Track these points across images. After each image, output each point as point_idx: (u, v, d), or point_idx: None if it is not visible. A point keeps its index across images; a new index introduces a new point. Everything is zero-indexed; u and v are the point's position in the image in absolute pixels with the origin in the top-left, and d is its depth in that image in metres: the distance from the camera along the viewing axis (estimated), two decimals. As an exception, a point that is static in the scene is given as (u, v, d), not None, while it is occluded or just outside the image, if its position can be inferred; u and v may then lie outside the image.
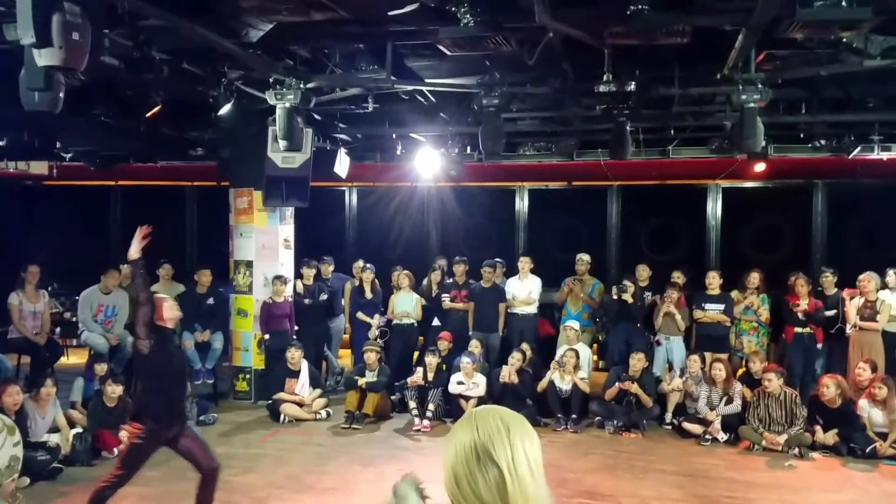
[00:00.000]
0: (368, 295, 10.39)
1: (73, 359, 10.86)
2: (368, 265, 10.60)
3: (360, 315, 10.36)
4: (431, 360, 8.98)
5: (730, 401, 8.34)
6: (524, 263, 10.00)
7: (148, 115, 8.16)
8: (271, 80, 7.05)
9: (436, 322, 10.23)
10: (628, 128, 8.05)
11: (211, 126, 9.53)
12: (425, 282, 10.50)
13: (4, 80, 4.84)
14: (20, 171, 12.08)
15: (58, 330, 10.78)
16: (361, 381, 8.86)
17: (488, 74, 7.12)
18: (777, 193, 12.23)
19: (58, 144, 10.37)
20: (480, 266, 10.04)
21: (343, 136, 10.47)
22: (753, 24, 5.30)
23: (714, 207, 12.23)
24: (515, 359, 8.87)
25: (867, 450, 7.58)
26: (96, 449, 7.35)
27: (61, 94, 4.54)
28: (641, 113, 8.15)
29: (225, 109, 7.54)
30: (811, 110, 8.89)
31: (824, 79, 7.41)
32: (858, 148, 9.77)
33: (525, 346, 9.39)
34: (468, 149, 10.68)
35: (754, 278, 9.37)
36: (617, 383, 8.66)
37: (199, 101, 8.11)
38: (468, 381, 8.74)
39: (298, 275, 10.19)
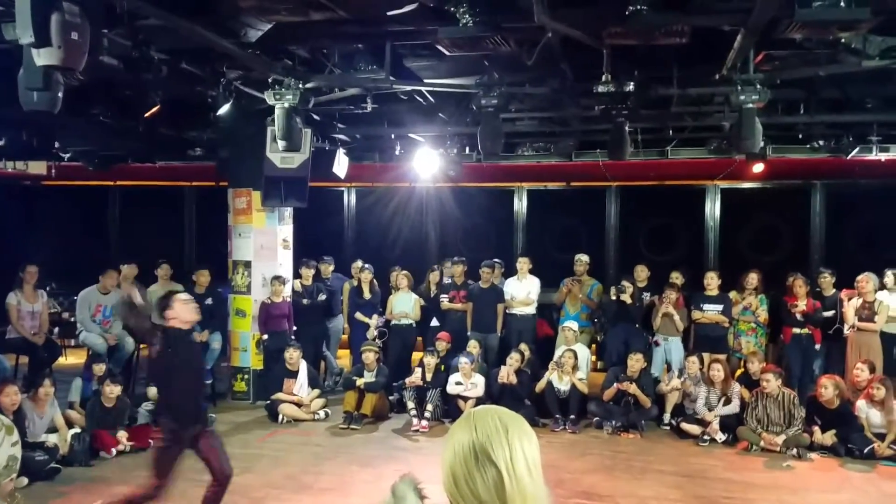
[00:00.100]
0: (367, 295, 10.39)
1: (72, 359, 10.85)
2: (367, 265, 10.60)
3: (359, 315, 10.36)
4: (430, 361, 8.98)
5: (728, 401, 8.35)
6: (523, 264, 10.01)
7: (146, 114, 8.16)
8: (270, 80, 7.05)
9: (434, 322, 10.24)
10: (627, 128, 8.05)
11: (209, 126, 9.53)
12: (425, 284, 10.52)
13: (3, 80, 4.83)
14: (19, 171, 12.07)
15: (56, 330, 10.77)
16: (360, 382, 8.86)
17: (487, 75, 7.12)
18: (775, 194, 12.23)
19: (56, 144, 10.37)
20: (479, 266, 10.06)
21: (342, 137, 10.47)
22: (752, 24, 5.30)
23: (712, 208, 12.24)
24: (514, 359, 8.87)
25: (865, 450, 7.58)
26: (94, 449, 7.35)
27: (60, 94, 4.53)
28: (640, 113, 8.15)
29: (224, 109, 7.54)
30: (810, 111, 8.89)
31: (823, 79, 7.42)
32: (857, 149, 9.78)
33: (523, 346, 9.39)
34: (467, 149, 10.68)
35: (752, 279, 9.38)
36: (615, 384, 8.66)
37: (197, 101, 8.10)
38: (466, 382, 8.75)
39: (297, 275, 10.19)
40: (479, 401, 8.49)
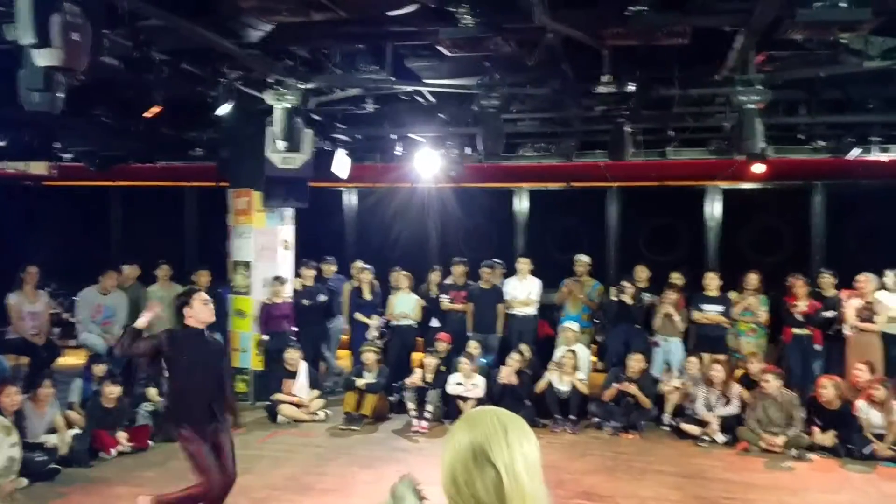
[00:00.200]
0: (367, 296, 10.39)
1: (71, 359, 10.84)
2: (367, 266, 10.60)
3: (359, 316, 10.36)
4: (430, 361, 8.97)
5: (728, 402, 8.35)
6: (523, 264, 10.01)
7: (147, 115, 8.15)
8: (271, 80, 7.05)
9: (435, 323, 10.23)
10: (628, 129, 8.05)
11: (210, 126, 9.54)
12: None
13: (4, 81, 4.82)
14: (19, 172, 12.08)
15: (56, 330, 10.77)
16: (360, 382, 8.86)
17: (488, 75, 7.12)
18: (776, 195, 12.23)
19: (57, 145, 10.38)
20: (479, 267, 10.06)
21: (343, 137, 10.46)
22: (753, 24, 5.30)
23: (713, 209, 12.23)
24: (514, 360, 8.87)
25: (865, 451, 7.58)
26: (94, 450, 7.35)
27: (61, 95, 4.53)
28: (641, 114, 8.16)
29: (224, 110, 7.54)
30: (810, 111, 8.88)
31: (824, 80, 7.42)
32: (858, 149, 9.78)
33: (524, 347, 9.39)
34: (468, 149, 10.68)
35: (753, 279, 9.38)
36: (615, 384, 8.66)
37: (198, 102, 8.10)
38: (467, 382, 8.74)
39: (298, 276, 10.19)
40: (480, 401, 8.48)
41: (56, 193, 13.89)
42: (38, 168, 12.35)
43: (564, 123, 10.00)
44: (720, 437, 8.17)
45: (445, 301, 10.06)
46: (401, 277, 10.19)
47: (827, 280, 9.30)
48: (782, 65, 7.05)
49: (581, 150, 11.18)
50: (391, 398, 9.28)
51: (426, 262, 11.85)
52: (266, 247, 9.80)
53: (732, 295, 9.45)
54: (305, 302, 10.00)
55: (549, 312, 10.48)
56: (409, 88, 7.75)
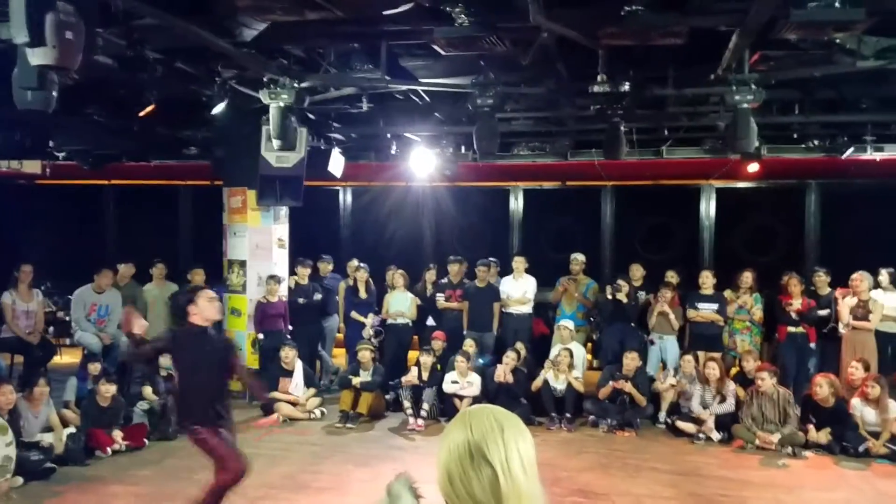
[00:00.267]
0: (363, 294, 10.39)
1: (67, 358, 10.83)
2: (363, 265, 10.60)
3: (355, 314, 10.36)
4: (426, 360, 8.98)
5: (723, 400, 8.37)
6: (519, 263, 10.01)
7: (141, 114, 8.14)
8: (265, 79, 7.04)
9: (431, 321, 10.24)
10: (622, 128, 8.06)
11: (205, 125, 9.52)
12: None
13: (-3, 79, 4.82)
14: (13, 171, 12.04)
15: (51, 329, 10.75)
16: (356, 381, 8.86)
17: (483, 74, 7.12)
18: (770, 194, 12.27)
19: (51, 143, 10.34)
20: (475, 265, 10.07)
21: (337, 136, 10.46)
22: (748, 24, 5.32)
23: (708, 207, 12.26)
24: (510, 358, 8.88)
25: (860, 448, 7.61)
26: (90, 448, 7.33)
27: (54, 93, 4.52)
28: (635, 113, 8.17)
29: (219, 108, 7.53)
30: (804, 111, 8.91)
31: (818, 80, 7.44)
32: (851, 148, 9.82)
33: (519, 345, 9.40)
34: (462, 148, 10.69)
35: (747, 278, 9.40)
36: (611, 382, 8.68)
37: (192, 101, 8.09)
38: (462, 381, 8.75)
39: (293, 274, 10.19)
40: (476, 399, 8.49)
41: (50, 192, 13.85)
42: (32, 167, 12.32)
43: (559, 122, 10.01)
44: (715, 435, 8.19)
45: (441, 300, 10.07)
46: (396, 276, 10.19)
47: (821, 278, 9.33)
48: (776, 64, 7.07)
49: (576, 149, 11.20)
50: (387, 396, 9.28)
51: (421, 260, 11.85)
52: (261, 245, 9.80)
53: (727, 293, 9.47)
54: (301, 300, 10.00)
55: (545, 311, 10.50)
56: (404, 87, 7.75)
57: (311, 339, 10.13)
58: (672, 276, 9.86)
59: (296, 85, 7.02)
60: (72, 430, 7.37)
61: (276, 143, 7.39)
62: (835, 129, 9.81)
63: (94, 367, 8.08)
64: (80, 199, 14.09)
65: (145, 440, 7.81)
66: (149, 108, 7.96)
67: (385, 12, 5.57)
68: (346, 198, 13.70)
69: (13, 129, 9.28)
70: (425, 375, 8.91)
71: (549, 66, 6.79)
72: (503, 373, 8.80)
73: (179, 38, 5.92)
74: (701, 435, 8.23)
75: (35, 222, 13.73)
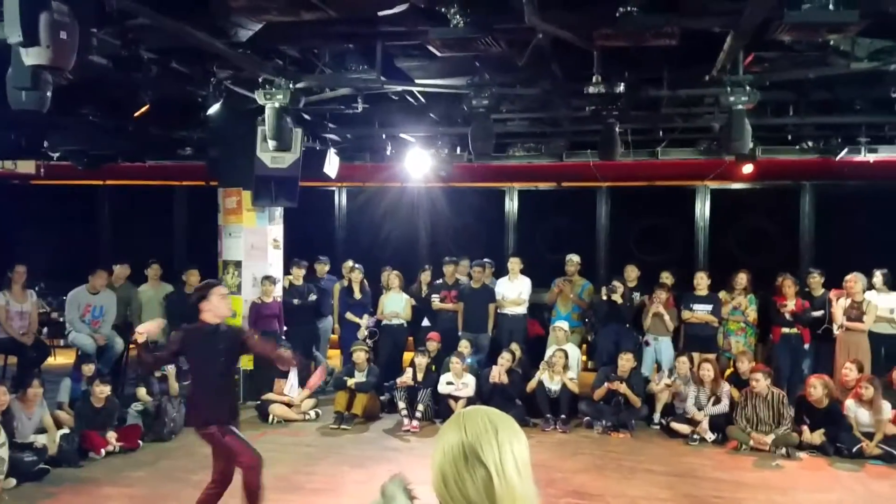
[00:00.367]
0: (357, 295, 10.38)
1: (61, 359, 10.79)
2: (357, 265, 10.59)
3: (349, 315, 10.35)
4: (421, 361, 8.98)
5: (717, 401, 8.38)
6: (514, 264, 10.01)
7: (136, 114, 8.12)
8: (260, 79, 7.03)
9: (426, 322, 10.23)
10: (617, 129, 8.07)
11: (200, 126, 9.50)
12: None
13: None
14: (7, 171, 12.01)
15: (45, 330, 10.71)
16: (351, 382, 8.85)
17: (478, 75, 7.13)
18: (765, 195, 12.30)
19: (45, 144, 10.31)
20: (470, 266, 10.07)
21: (333, 137, 10.45)
22: (742, 26, 5.33)
23: (702, 208, 12.29)
24: (505, 359, 8.88)
25: (854, 449, 7.63)
26: (84, 450, 7.30)
27: (49, 93, 4.51)
28: (630, 114, 8.18)
29: (214, 109, 7.51)
30: (799, 112, 8.93)
31: (812, 81, 7.46)
32: (845, 150, 9.84)
33: (514, 346, 9.40)
34: (458, 149, 10.68)
35: (742, 279, 9.42)
36: (605, 383, 8.68)
37: (187, 101, 8.08)
38: (457, 382, 8.75)
39: (288, 275, 10.17)
40: (470, 401, 8.49)
41: (45, 192, 13.81)
42: (27, 167, 12.28)
43: (554, 123, 10.02)
44: (710, 436, 8.21)
45: (436, 300, 10.06)
46: (391, 277, 10.19)
47: (815, 280, 9.36)
48: (771, 66, 7.09)
49: (571, 150, 11.21)
50: (382, 398, 9.27)
51: (416, 261, 11.85)
52: (256, 246, 9.78)
53: (722, 294, 9.48)
54: (296, 301, 9.98)
55: (540, 312, 10.50)
56: (399, 88, 7.74)
57: (306, 339, 10.10)
58: (667, 278, 9.88)
59: (291, 85, 7.01)
60: (65, 431, 7.34)
61: (271, 143, 7.38)
62: (829, 131, 9.84)
63: (88, 369, 8.05)
64: (74, 199, 14.04)
65: (139, 441, 7.80)
66: (144, 109, 7.94)
67: (380, 13, 5.56)
68: (341, 198, 13.68)
69: (7, 129, 9.26)
70: (420, 376, 8.91)
71: (545, 67, 6.79)
72: (498, 374, 8.81)
73: (174, 39, 5.92)
74: (695, 436, 8.24)
75: (29, 223, 13.69)
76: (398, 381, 8.95)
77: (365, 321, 10.21)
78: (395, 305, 10.03)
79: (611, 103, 6.87)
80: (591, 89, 6.56)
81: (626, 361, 8.71)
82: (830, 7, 4.72)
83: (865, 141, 9.74)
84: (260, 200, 9.50)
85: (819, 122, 9.40)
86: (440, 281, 10.26)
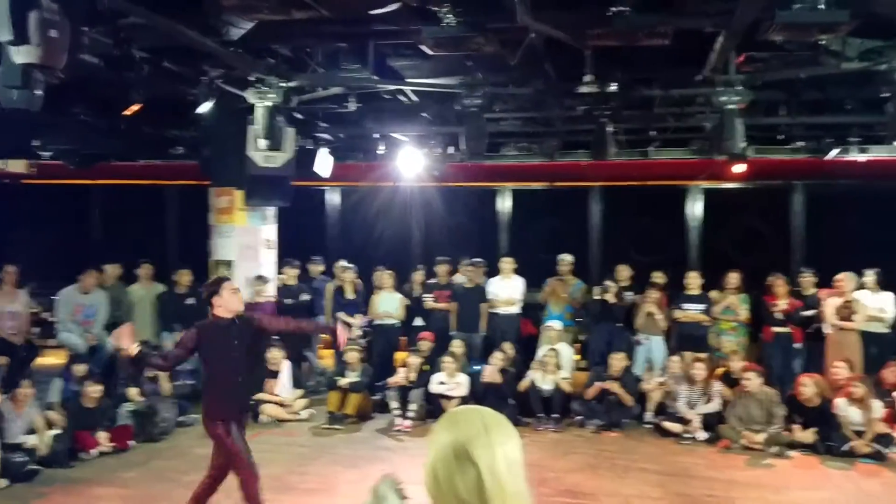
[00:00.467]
0: (350, 295, 10.36)
1: (51, 359, 10.73)
2: (350, 265, 10.57)
3: (342, 315, 10.32)
4: (413, 360, 8.97)
5: (709, 400, 8.40)
6: (507, 264, 10.02)
7: (128, 113, 8.09)
8: (252, 78, 7.02)
9: (418, 322, 10.22)
10: (609, 129, 8.09)
11: (192, 125, 9.48)
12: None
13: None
14: (-2, 170, 11.94)
15: (36, 330, 10.65)
16: (343, 382, 8.84)
17: (471, 74, 7.14)
18: (756, 195, 12.32)
19: (36, 143, 10.25)
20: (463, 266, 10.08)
21: (325, 136, 10.44)
22: (733, 26, 5.35)
23: (694, 208, 12.31)
24: (498, 358, 8.89)
25: (844, 448, 7.65)
26: (75, 450, 7.27)
27: (40, 92, 4.49)
28: (622, 114, 8.21)
29: (205, 108, 7.49)
30: (790, 112, 8.96)
31: (803, 81, 7.50)
32: (837, 150, 9.88)
33: (507, 345, 9.40)
34: (450, 149, 10.68)
35: (733, 278, 9.44)
36: (598, 383, 8.70)
37: (179, 100, 8.06)
38: (450, 381, 8.74)
39: (280, 274, 10.15)
40: (463, 400, 8.48)
41: (36, 192, 13.74)
42: (17, 166, 12.22)
43: (547, 123, 10.03)
44: (701, 435, 8.22)
45: (429, 300, 10.06)
46: (384, 277, 10.17)
47: (807, 279, 9.40)
48: (762, 66, 7.12)
49: (563, 149, 11.22)
50: (374, 397, 9.26)
51: (409, 261, 11.84)
52: (248, 246, 9.75)
53: (713, 294, 9.51)
54: (288, 301, 9.96)
55: (533, 311, 10.51)
56: (392, 87, 7.75)
57: (298, 339, 10.08)
58: (659, 277, 9.89)
59: (283, 84, 7.01)
60: (56, 431, 7.30)
61: (263, 142, 7.38)
62: (820, 131, 9.88)
63: (80, 369, 8.03)
64: (65, 198, 13.96)
65: (131, 442, 7.77)
66: (135, 108, 7.91)
67: (372, 12, 5.56)
68: (334, 198, 13.66)
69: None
70: (413, 376, 8.90)
71: (537, 67, 6.80)
72: (490, 373, 8.81)
73: (166, 37, 5.90)
74: (687, 435, 8.25)
75: (20, 222, 13.61)
76: (390, 380, 8.94)
77: (357, 321, 10.17)
78: (388, 305, 10.02)
79: (603, 103, 6.91)
80: (584, 89, 6.59)
81: (618, 361, 8.72)
82: (821, 7, 4.75)
83: (856, 141, 9.79)
84: (252, 200, 9.48)
85: (810, 122, 9.44)
86: (433, 280, 10.26)
